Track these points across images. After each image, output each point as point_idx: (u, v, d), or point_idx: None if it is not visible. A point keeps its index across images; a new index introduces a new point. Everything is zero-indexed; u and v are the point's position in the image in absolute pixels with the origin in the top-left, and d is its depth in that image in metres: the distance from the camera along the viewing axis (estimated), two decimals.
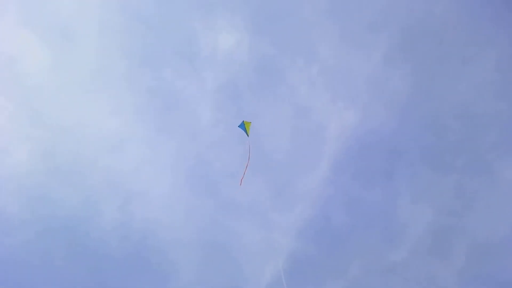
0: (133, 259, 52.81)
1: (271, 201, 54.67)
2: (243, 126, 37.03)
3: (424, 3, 57.74)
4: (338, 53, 57.04)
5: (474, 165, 55.41)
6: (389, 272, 53.93)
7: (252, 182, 55.05)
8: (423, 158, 55.68)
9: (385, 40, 57.07)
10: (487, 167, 55.25)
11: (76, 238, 52.67)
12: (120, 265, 52.66)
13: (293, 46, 56.46)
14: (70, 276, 51.70)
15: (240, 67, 55.99)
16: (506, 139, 53.84)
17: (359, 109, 56.82)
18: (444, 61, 57.74)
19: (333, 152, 56.32)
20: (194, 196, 55.49)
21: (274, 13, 57.42)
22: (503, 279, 49.69)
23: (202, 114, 56.22)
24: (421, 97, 56.42)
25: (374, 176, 55.93)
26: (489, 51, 57.39)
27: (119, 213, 53.78)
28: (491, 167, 55.11)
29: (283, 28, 56.84)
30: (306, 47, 56.25)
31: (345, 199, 55.84)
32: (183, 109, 56.87)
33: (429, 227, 54.34)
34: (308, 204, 55.42)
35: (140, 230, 53.82)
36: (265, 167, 51.46)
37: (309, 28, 56.91)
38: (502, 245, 51.39)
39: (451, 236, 54.29)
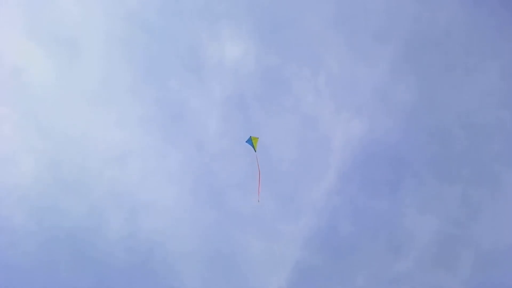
0: (139, 270, 52.17)
1: (277, 211, 54.35)
2: (250, 141, 36.76)
3: (429, 13, 57.71)
4: (344, 63, 55.96)
5: (479, 175, 54.96)
6: (395, 282, 53.36)
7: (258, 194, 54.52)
8: (429, 168, 55.28)
9: (391, 50, 56.82)
10: (493, 177, 54.82)
11: (82, 249, 51.70)
12: (126, 276, 52.08)
13: (299, 56, 54.81)
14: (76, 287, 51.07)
15: (246, 78, 54.72)
16: None
17: (365, 119, 55.38)
18: (449, 70, 57.51)
19: (339, 162, 55.66)
20: (200, 206, 54.52)
21: (280, 23, 57.15)
22: None
23: (208, 125, 54.97)
24: (427, 107, 56.05)
25: (380, 186, 55.43)
26: (493, 60, 57.05)
27: (125, 224, 52.67)
28: (497, 176, 54.62)
29: (289, 38, 56.43)
30: (313, 56, 55.22)
31: (351, 209, 55.20)
32: (189, 120, 54.03)
33: (435, 237, 53.75)
34: (314, 214, 54.82)
35: (146, 241, 53.00)
36: (271, 177, 51.07)
37: (315, 38, 56.57)
38: (509, 255, 50.83)
39: (457, 246, 53.74)
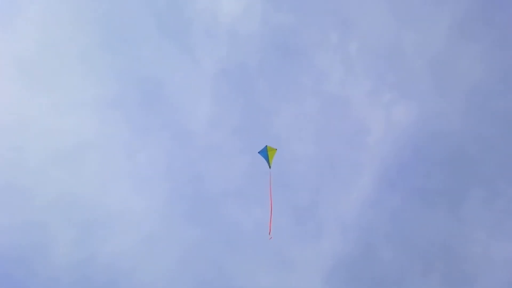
0: None
1: (290, 230, 39.68)
2: (265, 153, 29.39)
3: None
4: (385, 27, 42.87)
5: None
6: None
7: (264, 203, 39.78)
8: (504, 172, 40.46)
9: (450, 9, 41.68)
10: None
11: (17, 277, 38.46)
12: None
13: (322, 15, 42.41)
14: None
15: (248, 43, 42.47)
16: None
17: (414, 102, 42.42)
18: None
19: (377, 164, 41.82)
20: (185, 222, 40.91)
21: None
22: None
23: (195, 110, 42.82)
24: (502, 84, 41.48)
25: (435, 197, 40.83)
26: None
27: (77, 245, 39.57)
28: None
29: None
30: (341, 17, 42.39)
31: (393, 228, 40.94)
32: (167, 102, 42.77)
33: None
34: (340, 235, 40.92)
35: (105, 269, 39.37)
36: (282, 182, 35.99)
37: None
38: None
39: None
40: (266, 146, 29.04)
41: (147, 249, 40.06)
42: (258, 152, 29.50)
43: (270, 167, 29.37)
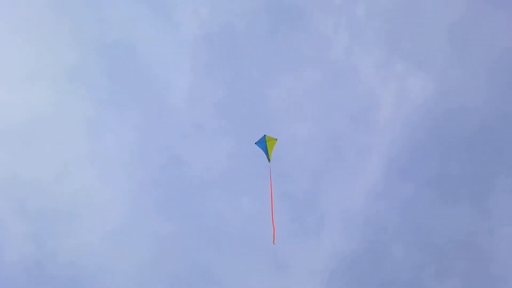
0: None
1: (285, 226, 33.74)
2: (263, 144, 25.46)
3: None
4: None
5: None
6: None
7: (254, 192, 34.14)
8: None
9: None
10: None
11: None
12: None
13: None
14: None
15: (236, 3, 35.96)
16: None
17: (431, 75, 35.89)
18: None
19: (388, 147, 35.38)
20: (159, 215, 34.57)
21: None
22: None
23: (175, 82, 36.14)
24: None
25: (455, 187, 34.88)
26: None
27: (31, 241, 33.26)
28: None
29: None
30: None
31: (404, 224, 35.04)
32: (142, 73, 35.99)
33: None
34: (344, 231, 34.83)
35: (66, 268, 33.26)
36: (276, 169, 29.76)
37: None
38: None
39: None
40: (264, 136, 25.15)
41: (115, 245, 33.92)
42: (255, 143, 25.64)
43: (269, 160, 25.58)
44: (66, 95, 33.22)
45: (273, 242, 24.09)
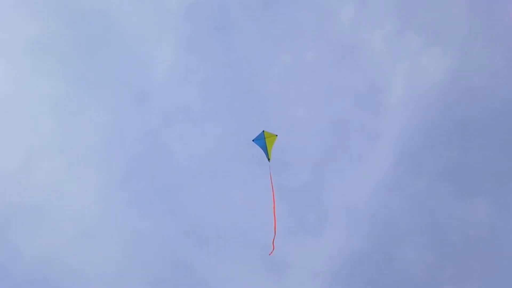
0: None
1: (283, 223, 28.79)
2: (262, 141, 22.35)
3: None
4: None
5: None
6: None
7: (245, 184, 30.38)
8: None
9: None
10: None
11: None
12: None
13: None
14: None
15: None
16: None
17: (447, 50, 31.38)
18: None
19: (398, 132, 31.07)
20: (137, 211, 30.07)
21: None
22: None
23: (156, 58, 31.30)
24: None
25: (473, 179, 30.78)
26: None
27: None
28: None
29: None
30: None
31: (416, 220, 31.08)
32: (119, 47, 31.05)
33: None
34: (348, 228, 30.84)
35: (33, 271, 28.80)
36: (274, 157, 25.54)
37: None
38: None
39: None
40: (263, 131, 22.44)
41: (87, 243, 29.62)
42: (253, 141, 22.96)
43: (269, 160, 22.84)
44: (28, 71, 28.38)
45: (271, 251, 21.08)
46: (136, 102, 29.85)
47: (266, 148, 22.97)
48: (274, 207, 22.45)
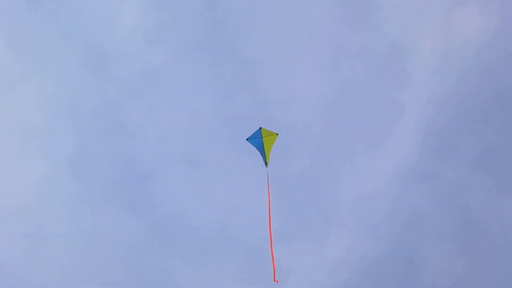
0: None
1: (281, 224, 22.97)
2: (258, 141, 18.67)
3: None
4: None
5: None
6: None
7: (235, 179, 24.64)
8: None
9: None
10: None
11: None
12: None
13: None
14: None
15: None
16: None
17: (487, 5, 24.87)
18: None
19: (427, 108, 24.76)
20: (98, 207, 23.94)
21: None
22: None
23: (123, 14, 24.79)
24: None
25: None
26: None
27: None
28: None
29: None
30: None
31: (451, 217, 24.52)
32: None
33: None
34: (362, 229, 24.64)
35: None
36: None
37: None
38: None
39: None
40: (260, 129, 18.65)
41: (26, 245, 23.19)
42: (247, 140, 19.27)
43: (267, 164, 18.97)
44: None
45: (274, 279, 15.96)
46: (91, 66, 23.46)
47: (263, 149, 18.98)
48: (270, 228, 16.75)
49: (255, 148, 19.33)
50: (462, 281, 24.21)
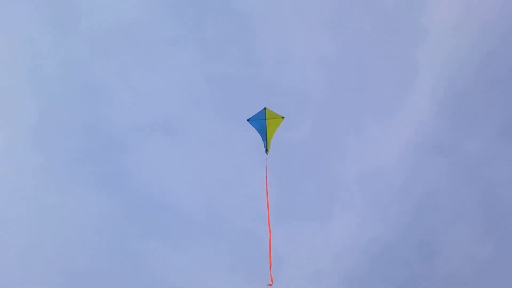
0: None
1: (279, 206, 19.22)
2: (261, 123, 16.08)
3: None
4: None
5: None
6: None
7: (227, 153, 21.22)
8: None
9: None
10: None
11: None
12: None
13: None
14: None
15: None
16: None
17: None
18: None
19: (445, 68, 21.49)
20: (62, 183, 20.74)
21: None
22: None
23: None
24: None
25: None
26: None
27: None
28: None
29: None
30: None
31: (474, 196, 21.62)
32: None
33: None
34: (371, 207, 21.59)
35: None
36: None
37: None
38: None
39: None
40: (264, 109, 15.85)
41: None
42: (248, 120, 16.47)
43: (267, 151, 16.16)
44: None
45: (270, 282, 13.46)
46: (54, 20, 20.14)
47: (266, 133, 16.51)
48: (269, 225, 14.03)
49: (256, 130, 16.57)
50: (485, 269, 21.06)
